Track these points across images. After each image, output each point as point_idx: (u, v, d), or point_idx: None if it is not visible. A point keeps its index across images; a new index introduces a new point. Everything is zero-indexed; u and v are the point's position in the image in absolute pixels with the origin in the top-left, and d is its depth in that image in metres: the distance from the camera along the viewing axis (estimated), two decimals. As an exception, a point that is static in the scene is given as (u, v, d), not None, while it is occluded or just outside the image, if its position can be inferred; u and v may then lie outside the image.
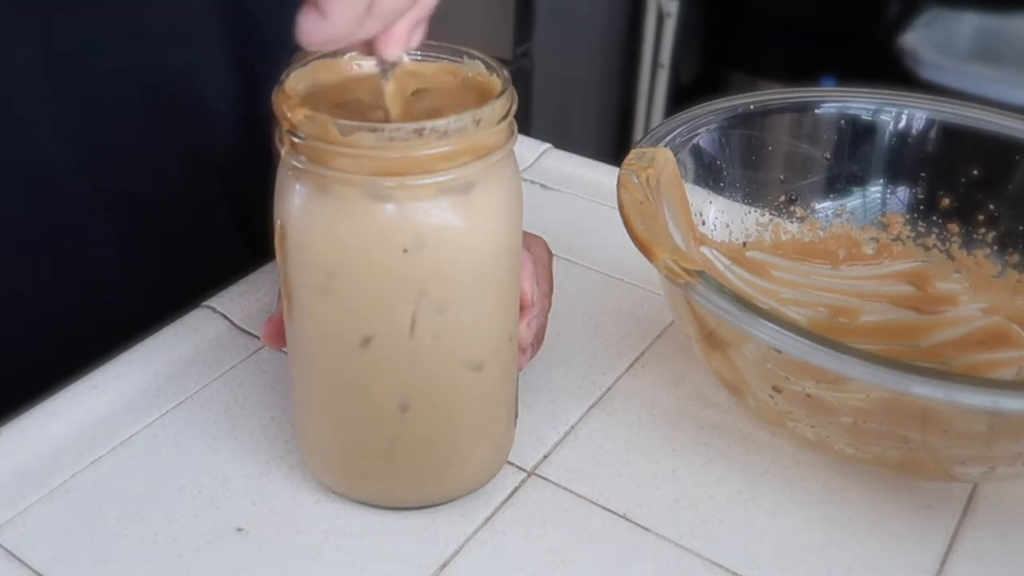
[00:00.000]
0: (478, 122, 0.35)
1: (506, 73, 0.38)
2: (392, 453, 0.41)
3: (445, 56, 0.40)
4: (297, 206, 0.37)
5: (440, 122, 0.34)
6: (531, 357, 0.46)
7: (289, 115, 0.35)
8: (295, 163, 0.36)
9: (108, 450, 0.45)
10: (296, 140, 0.35)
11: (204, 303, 0.53)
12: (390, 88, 0.37)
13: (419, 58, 0.39)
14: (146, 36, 0.53)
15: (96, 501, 0.43)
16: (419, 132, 0.34)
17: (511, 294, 0.40)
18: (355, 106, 0.38)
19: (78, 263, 0.54)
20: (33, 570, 0.40)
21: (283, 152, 0.36)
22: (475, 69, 0.39)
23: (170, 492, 0.43)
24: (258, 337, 0.52)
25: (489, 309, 0.39)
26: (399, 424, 0.40)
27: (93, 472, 0.44)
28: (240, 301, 0.54)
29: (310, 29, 0.34)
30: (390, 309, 0.37)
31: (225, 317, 0.53)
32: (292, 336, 0.40)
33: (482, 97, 0.38)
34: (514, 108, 0.37)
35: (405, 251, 0.36)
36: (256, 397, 0.48)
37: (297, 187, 0.36)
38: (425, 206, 0.36)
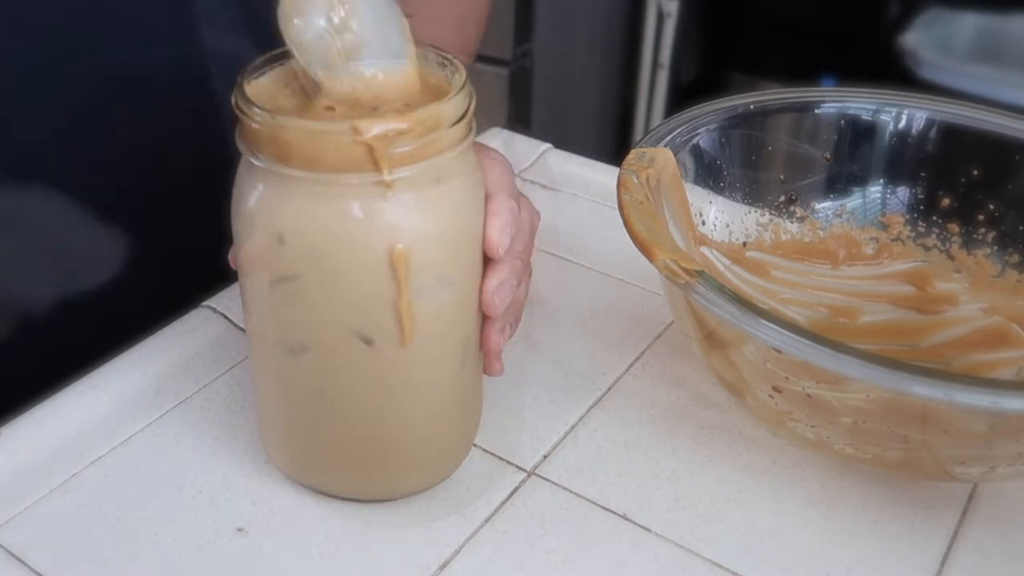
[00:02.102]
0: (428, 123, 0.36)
1: (462, 74, 0.38)
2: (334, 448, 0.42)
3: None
4: (253, 206, 0.37)
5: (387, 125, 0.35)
6: (509, 334, 0.44)
7: (247, 112, 0.36)
8: (255, 162, 0.36)
9: (108, 450, 0.45)
10: (255, 136, 0.36)
11: (204, 303, 0.53)
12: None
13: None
14: (149, 29, 0.53)
15: (96, 501, 0.43)
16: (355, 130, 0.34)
17: (467, 290, 0.40)
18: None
19: (81, 263, 0.54)
20: (33, 570, 0.40)
21: (243, 151, 0.37)
22: (432, 68, 0.40)
23: (170, 492, 0.43)
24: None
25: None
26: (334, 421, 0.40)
27: (93, 472, 0.44)
28: (240, 301, 0.53)
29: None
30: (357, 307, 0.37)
31: (225, 317, 0.53)
32: (248, 336, 0.41)
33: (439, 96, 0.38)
34: (472, 108, 0.38)
35: (368, 244, 0.36)
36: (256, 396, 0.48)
37: (258, 186, 0.37)
38: (389, 205, 0.36)
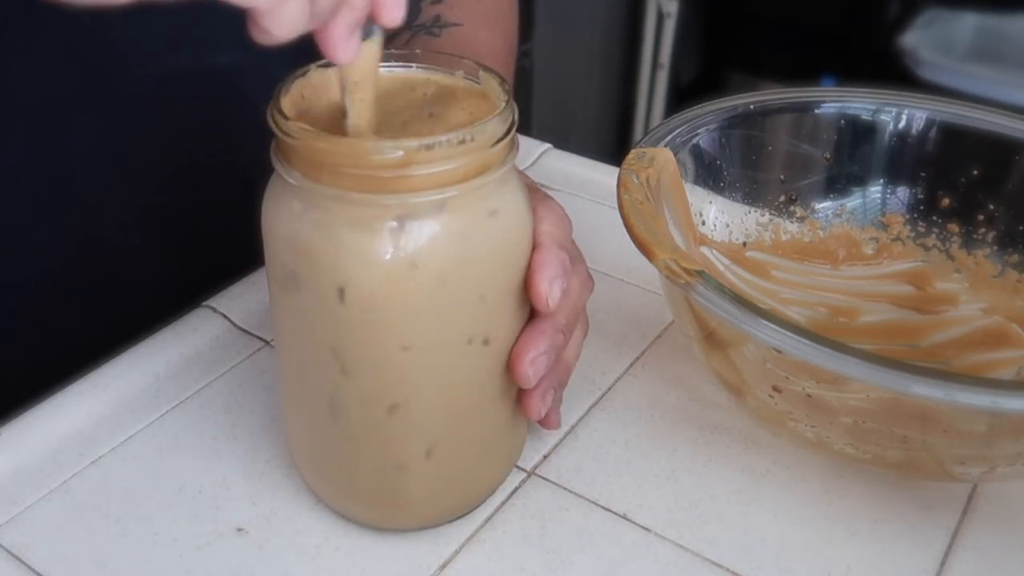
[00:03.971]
0: (466, 141, 0.34)
1: (506, 88, 0.37)
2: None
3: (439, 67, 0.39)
4: (286, 221, 0.36)
5: (426, 140, 0.34)
6: (554, 398, 0.41)
7: (283, 128, 0.35)
8: (289, 179, 0.35)
9: (108, 450, 0.45)
10: (290, 153, 0.35)
11: (204, 303, 0.53)
12: (357, 101, 0.36)
13: (414, 69, 0.39)
14: (191, 39, 0.52)
15: (96, 501, 0.43)
16: (425, 146, 0.33)
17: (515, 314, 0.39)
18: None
19: (109, 268, 0.54)
20: (33, 570, 0.40)
21: (276, 167, 0.36)
22: (470, 82, 0.39)
23: (170, 492, 0.43)
24: (259, 337, 0.52)
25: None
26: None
27: (93, 472, 0.44)
28: (240, 301, 0.54)
29: (259, 40, 0.33)
30: (384, 328, 0.36)
31: (225, 317, 0.53)
32: (284, 360, 0.40)
33: (479, 109, 0.37)
34: (515, 125, 0.36)
35: (399, 269, 0.35)
36: (256, 397, 0.48)
37: (293, 204, 0.36)
38: (419, 224, 0.35)
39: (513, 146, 0.37)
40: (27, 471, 0.44)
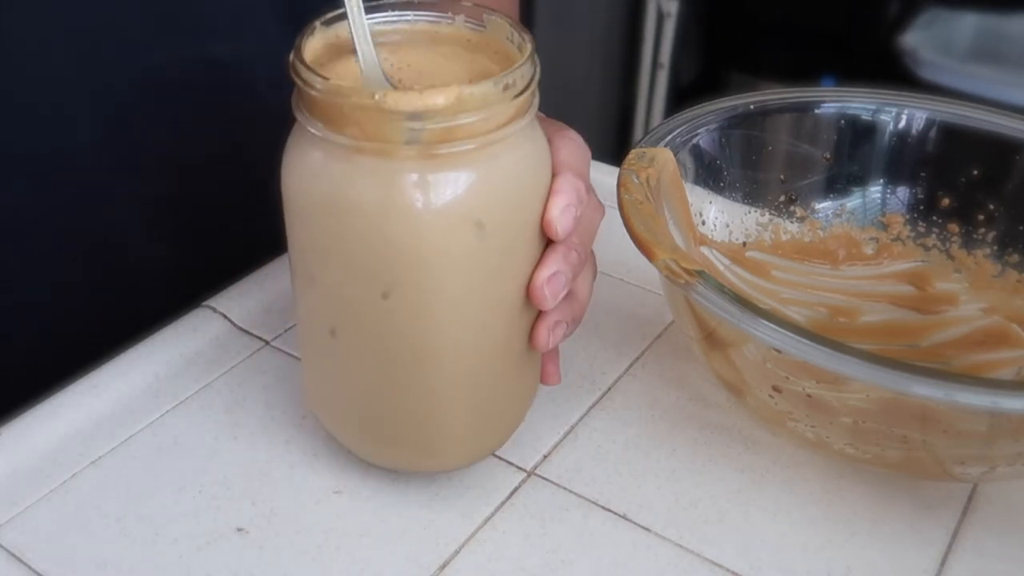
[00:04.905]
0: (505, 88, 0.35)
1: (528, 38, 0.38)
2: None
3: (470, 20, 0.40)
4: (312, 174, 0.36)
5: (474, 87, 0.34)
6: (564, 333, 0.41)
7: (306, 78, 0.35)
8: (312, 130, 0.36)
9: (108, 450, 0.45)
10: (313, 104, 0.35)
11: (204, 303, 0.53)
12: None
13: (410, 18, 0.40)
14: (191, 27, 0.52)
15: (96, 501, 0.43)
16: (456, 95, 0.34)
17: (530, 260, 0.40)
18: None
19: (109, 266, 0.54)
20: (33, 570, 0.40)
21: (299, 118, 0.36)
22: (497, 34, 0.39)
23: (170, 492, 0.43)
24: (259, 337, 0.52)
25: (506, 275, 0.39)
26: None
27: (93, 472, 0.44)
28: (240, 301, 0.54)
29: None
30: (404, 268, 0.37)
31: (225, 317, 0.53)
32: (309, 307, 0.40)
33: (499, 63, 0.38)
34: (537, 75, 0.37)
35: (432, 219, 0.35)
36: (256, 397, 0.48)
37: (315, 155, 0.36)
38: (455, 175, 0.35)
39: (535, 96, 0.37)
40: (27, 471, 0.44)
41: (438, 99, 0.34)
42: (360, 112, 0.34)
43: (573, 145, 0.41)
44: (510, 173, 0.37)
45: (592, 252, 0.44)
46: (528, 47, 0.37)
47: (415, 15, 0.40)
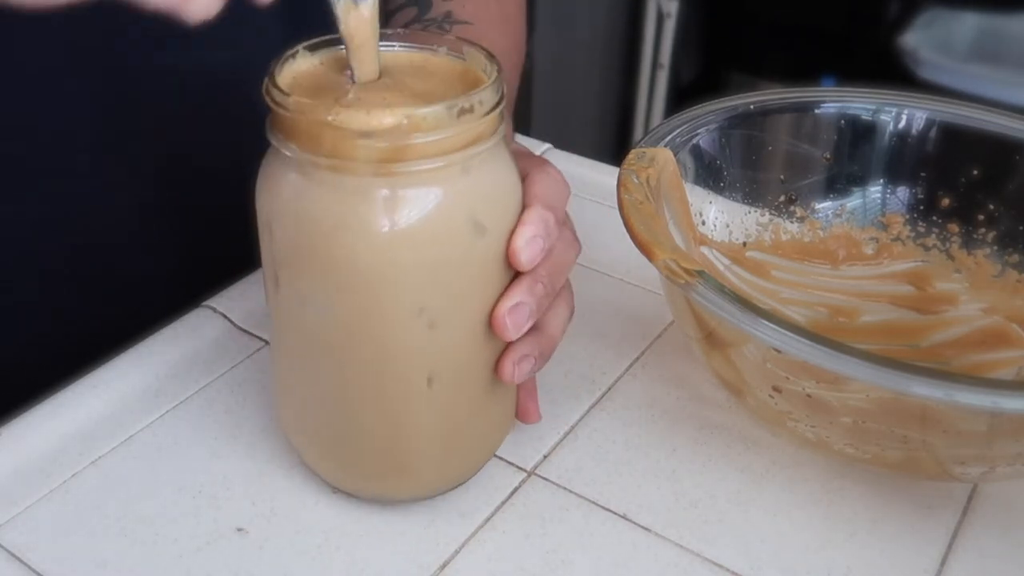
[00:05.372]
0: (465, 110, 0.35)
1: (495, 62, 0.38)
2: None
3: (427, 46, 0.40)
4: (286, 197, 0.37)
5: (428, 108, 0.35)
6: (530, 369, 0.41)
7: (280, 102, 0.36)
8: (286, 152, 0.36)
9: (108, 450, 0.45)
10: (287, 126, 0.36)
11: (204, 303, 0.53)
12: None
13: (396, 48, 0.40)
14: (189, 35, 0.52)
15: (96, 501, 0.43)
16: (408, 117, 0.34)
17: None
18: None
19: (110, 266, 0.54)
20: (33, 570, 0.40)
21: (273, 141, 0.37)
22: (460, 58, 0.40)
23: (170, 492, 0.43)
24: (259, 337, 0.52)
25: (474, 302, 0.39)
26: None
27: (93, 472, 0.44)
28: (240, 301, 0.54)
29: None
30: (383, 297, 0.37)
31: (225, 317, 0.53)
32: (282, 328, 0.41)
33: (468, 87, 0.38)
34: (503, 99, 0.37)
35: (391, 237, 0.36)
36: (256, 397, 0.48)
37: (288, 177, 0.37)
38: (414, 193, 0.36)
39: (502, 118, 0.38)
40: (27, 471, 0.44)
41: (387, 119, 0.34)
42: (318, 129, 0.35)
43: (549, 180, 0.41)
44: (471, 196, 0.37)
45: (570, 289, 0.43)
46: (494, 74, 0.37)
47: (402, 46, 0.40)
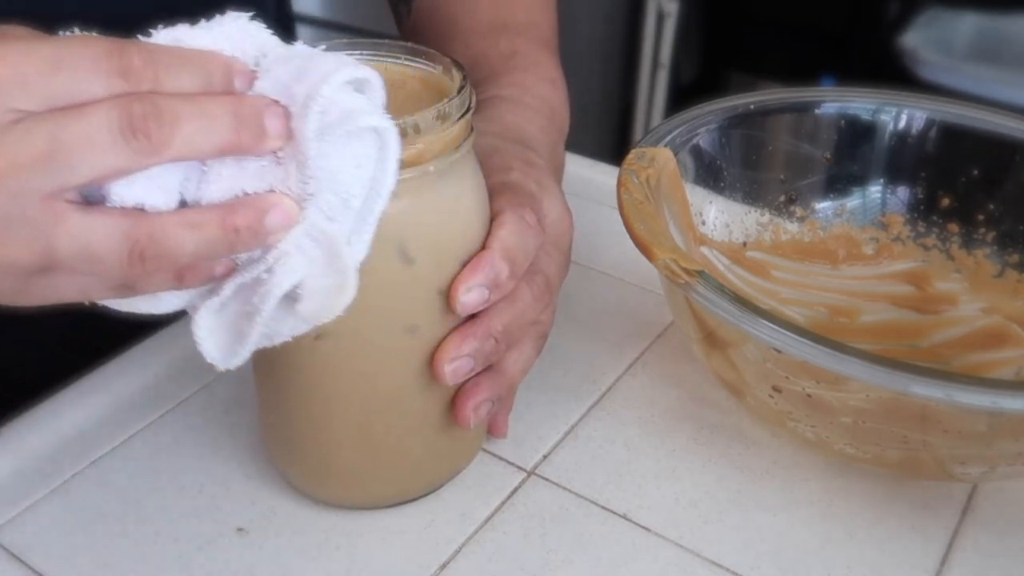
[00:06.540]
0: (440, 119, 0.35)
1: (463, 74, 0.38)
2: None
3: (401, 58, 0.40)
4: None
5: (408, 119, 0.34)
6: (489, 411, 0.40)
7: None
8: None
9: (108, 450, 0.45)
10: None
11: (204, 303, 0.53)
12: None
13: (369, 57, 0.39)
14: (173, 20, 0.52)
15: (96, 501, 0.43)
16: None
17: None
18: None
19: None
20: (33, 570, 0.40)
21: None
22: (427, 70, 0.39)
23: (170, 492, 0.43)
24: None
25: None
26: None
27: (93, 472, 0.44)
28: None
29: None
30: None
31: (225, 317, 0.53)
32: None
33: (437, 97, 0.38)
34: (472, 105, 0.37)
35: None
36: (256, 397, 0.48)
37: None
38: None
39: (467, 133, 0.37)
40: (27, 471, 0.44)
41: None
42: None
43: (521, 226, 0.38)
44: (427, 209, 0.36)
45: (541, 327, 0.42)
46: (456, 86, 0.37)
47: (386, 54, 0.40)
